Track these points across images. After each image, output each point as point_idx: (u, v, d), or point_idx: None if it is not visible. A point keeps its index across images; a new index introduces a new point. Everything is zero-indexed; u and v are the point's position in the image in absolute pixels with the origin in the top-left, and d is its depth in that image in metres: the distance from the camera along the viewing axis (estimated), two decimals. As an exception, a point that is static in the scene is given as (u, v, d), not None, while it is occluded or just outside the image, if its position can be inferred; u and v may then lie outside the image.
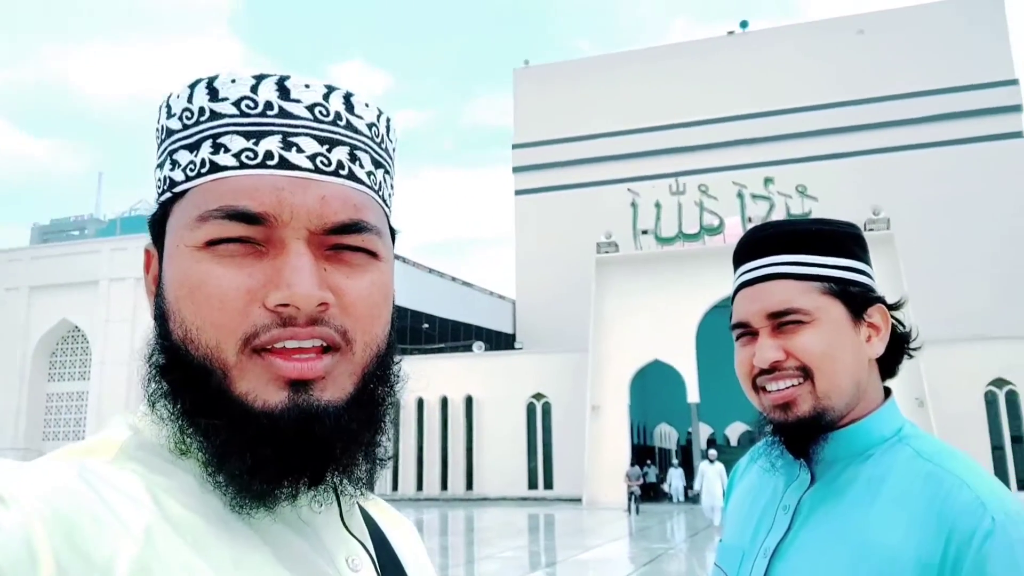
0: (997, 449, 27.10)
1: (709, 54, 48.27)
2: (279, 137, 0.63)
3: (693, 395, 29.05)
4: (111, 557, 0.52)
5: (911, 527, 1.03)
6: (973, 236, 41.07)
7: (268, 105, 0.64)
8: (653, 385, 32.87)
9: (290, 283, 0.60)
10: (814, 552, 1.11)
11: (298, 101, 0.65)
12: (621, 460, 28.17)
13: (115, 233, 42.92)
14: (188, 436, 0.61)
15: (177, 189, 0.65)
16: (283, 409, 0.59)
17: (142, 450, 0.62)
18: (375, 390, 0.66)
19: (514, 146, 51.22)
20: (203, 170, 0.63)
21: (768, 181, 32.49)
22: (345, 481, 0.64)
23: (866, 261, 1.21)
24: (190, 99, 0.65)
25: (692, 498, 26.45)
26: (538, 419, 32.17)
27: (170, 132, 0.66)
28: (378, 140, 0.69)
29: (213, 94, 0.64)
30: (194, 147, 0.64)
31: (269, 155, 0.63)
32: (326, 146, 0.65)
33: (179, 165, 0.65)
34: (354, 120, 0.67)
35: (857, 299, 1.17)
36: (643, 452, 34.90)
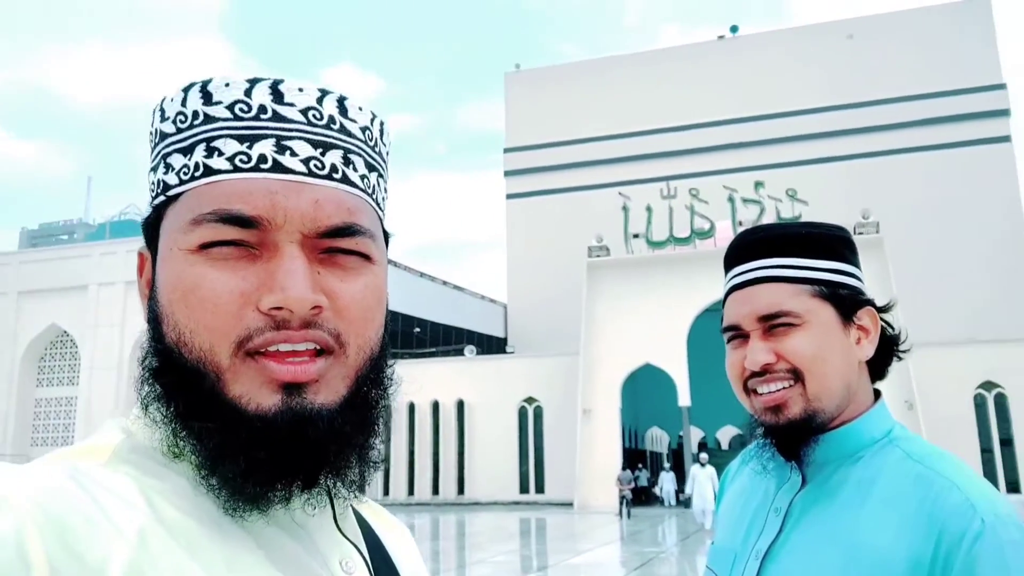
0: (986, 452, 27.21)
1: (699, 59, 48.44)
2: (273, 141, 0.63)
3: (684, 399, 29.09)
4: (104, 559, 0.52)
5: (901, 528, 1.04)
6: (962, 239, 41.32)
7: (262, 109, 0.64)
8: (644, 389, 32.90)
9: (284, 286, 0.60)
10: (805, 554, 1.12)
11: (292, 105, 0.65)
12: (612, 464, 28.17)
13: (104, 237, 42.77)
14: (181, 439, 0.61)
15: (171, 192, 0.65)
16: (276, 412, 0.59)
17: (135, 453, 0.62)
18: (368, 393, 0.66)
19: (506, 150, 51.27)
20: (197, 173, 0.63)
21: (758, 185, 32.60)
22: (338, 484, 0.64)
23: (855, 264, 1.22)
24: (184, 102, 0.65)
25: (683, 502, 26.48)
26: (529, 423, 32.14)
27: (164, 135, 0.66)
28: (372, 144, 0.70)
29: (207, 98, 0.64)
30: (188, 150, 0.64)
31: (263, 159, 0.63)
32: (320, 150, 0.65)
33: (173, 168, 0.65)
34: (348, 124, 0.67)
35: (847, 302, 1.17)
36: (634, 456, 34.93)
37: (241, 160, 0.63)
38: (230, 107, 0.64)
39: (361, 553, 0.68)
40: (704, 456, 19.88)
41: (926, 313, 34.56)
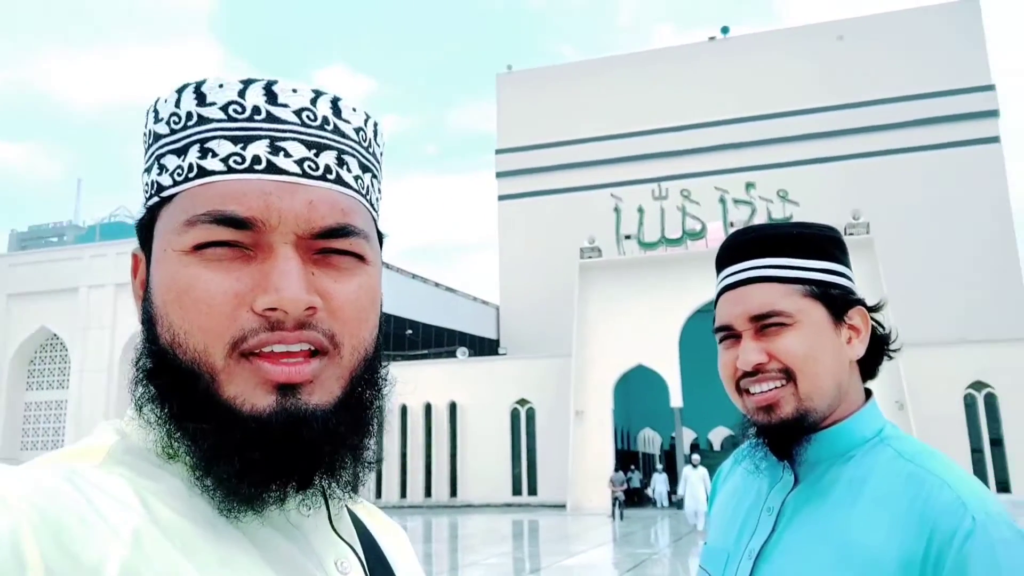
0: (976, 451, 27.31)
1: (691, 59, 48.55)
2: (267, 142, 0.63)
3: (676, 400, 29.11)
4: (99, 560, 0.52)
5: (893, 527, 1.04)
6: (952, 240, 41.51)
7: (256, 110, 0.64)
8: (636, 390, 32.92)
9: (278, 287, 0.60)
10: (798, 553, 1.12)
11: (286, 106, 0.65)
12: (605, 465, 28.18)
13: (94, 239, 42.48)
14: (176, 440, 0.61)
15: (165, 193, 0.65)
16: (271, 413, 0.59)
17: (130, 454, 0.62)
18: (363, 394, 0.66)
19: (497, 151, 51.24)
20: (191, 174, 0.63)
21: (750, 186, 32.67)
22: (333, 484, 0.64)
23: (846, 264, 1.23)
24: (178, 103, 0.65)
25: (676, 503, 26.49)
26: (522, 425, 32.12)
27: (157, 136, 0.66)
28: (366, 144, 0.70)
29: (201, 99, 0.64)
30: (182, 151, 0.64)
31: (257, 160, 0.63)
32: (314, 150, 0.65)
33: (167, 169, 0.65)
34: (342, 124, 0.67)
35: (838, 301, 1.18)
36: (627, 457, 34.94)
37: (235, 161, 0.63)
38: (224, 108, 0.64)
39: (356, 553, 0.68)
40: (696, 457, 19.88)
41: (916, 313, 34.70)
